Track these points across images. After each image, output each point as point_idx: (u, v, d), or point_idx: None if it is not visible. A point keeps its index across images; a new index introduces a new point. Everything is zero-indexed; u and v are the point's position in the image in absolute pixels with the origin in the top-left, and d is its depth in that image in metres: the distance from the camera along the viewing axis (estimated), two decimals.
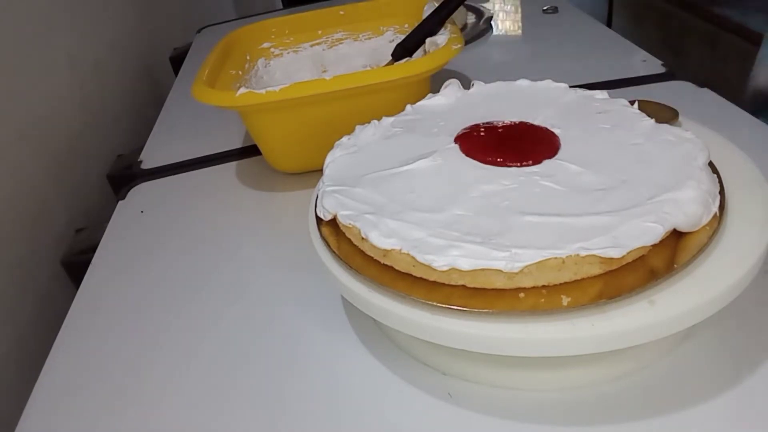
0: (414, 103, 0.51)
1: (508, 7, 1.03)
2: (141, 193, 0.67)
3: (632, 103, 0.45)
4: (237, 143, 0.72)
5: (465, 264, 0.33)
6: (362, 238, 0.37)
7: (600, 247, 0.32)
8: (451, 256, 0.34)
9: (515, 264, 0.32)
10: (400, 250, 0.35)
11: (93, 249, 0.58)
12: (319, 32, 0.76)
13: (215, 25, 1.18)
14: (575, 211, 0.36)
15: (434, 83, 0.58)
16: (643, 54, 0.77)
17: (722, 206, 0.36)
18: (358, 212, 0.39)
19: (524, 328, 0.32)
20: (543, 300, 0.32)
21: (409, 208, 0.38)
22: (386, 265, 0.36)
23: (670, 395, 0.35)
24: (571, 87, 0.49)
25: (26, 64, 0.73)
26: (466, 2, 0.99)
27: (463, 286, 0.34)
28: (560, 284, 0.33)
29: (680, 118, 0.46)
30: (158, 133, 0.80)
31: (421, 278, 0.35)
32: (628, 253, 0.32)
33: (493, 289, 0.33)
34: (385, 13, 0.76)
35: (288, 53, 0.76)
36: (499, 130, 0.45)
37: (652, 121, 0.43)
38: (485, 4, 1.01)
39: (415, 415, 0.37)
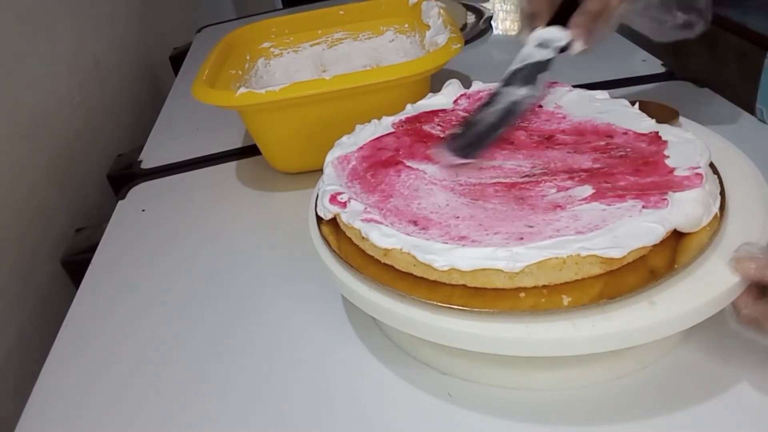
0: (414, 102, 0.51)
1: (508, 6, 1.03)
2: (141, 192, 0.67)
3: (633, 103, 0.45)
4: (237, 143, 0.72)
5: (465, 264, 0.33)
6: (363, 238, 0.37)
7: (601, 247, 0.32)
8: (451, 256, 0.34)
9: (516, 264, 0.32)
10: (401, 249, 0.35)
11: (93, 249, 0.58)
12: (319, 32, 0.76)
13: (215, 25, 1.18)
14: None
15: (434, 83, 0.58)
16: (643, 54, 0.77)
17: (722, 207, 0.36)
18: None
19: (525, 328, 0.32)
20: (544, 300, 0.32)
21: None
22: (387, 265, 0.36)
23: (670, 395, 0.35)
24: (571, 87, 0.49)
25: (26, 64, 0.73)
26: (465, 2, 1.00)
27: (464, 286, 0.34)
28: (561, 284, 0.33)
29: (680, 118, 0.46)
30: (158, 133, 0.80)
31: (421, 278, 0.35)
32: (628, 253, 0.32)
33: (493, 289, 0.33)
34: (385, 13, 0.76)
35: (288, 53, 0.76)
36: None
37: (653, 121, 0.43)
38: (485, 4, 1.01)
39: (415, 415, 0.37)
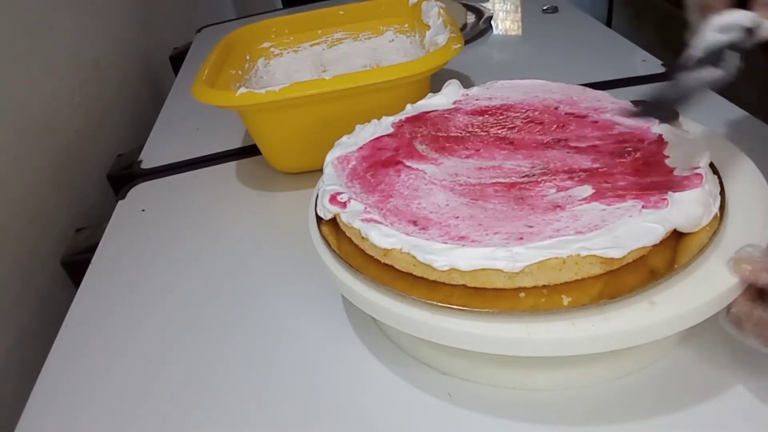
0: (414, 102, 0.51)
1: (508, 6, 1.03)
2: (141, 192, 0.67)
3: (636, 105, 0.45)
4: (237, 143, 0.72)
5: (465, 264, 0.33)
6: (362, 238, 0.37)
7: (600, 247, 0.32)
8: (451, 256, 0.34)
9: (516, 264, 0.32)
10: (401, 249, 0.35)
11: (93, 249, 0.58)
12: (319, 32, 0.76)
13: (215, 24, 1.18)
14: None
15: (434, 83, 0.58)
16: (643, 54, 0.77)
17: (722, 207, 0.36)
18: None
19: (525, 328, 0.32)
20: (543, 300, 0.32)
21: None
22: (387, 265, 0.36)
23: (670, 395, 0.35)
24: None
25: (26, 64, 0.73)
26: (465, 2, 1.00)
27: (464, 286, 0.34)
28: (561, 284, 0.33)
29: (680, 118, 0.46)
30: (158, 133, 0.80)
31: (421, 278, 0.35)
32: (628, 253, 0.32)
33: (493, 289, 0.33)
34: (385, 13, 0.76)
35: (288, 53, 0.76)
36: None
37: (656, 121, 0.43)
38: (485, 4, 1.01)
39: (415, 415, 0.37)
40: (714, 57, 0.37)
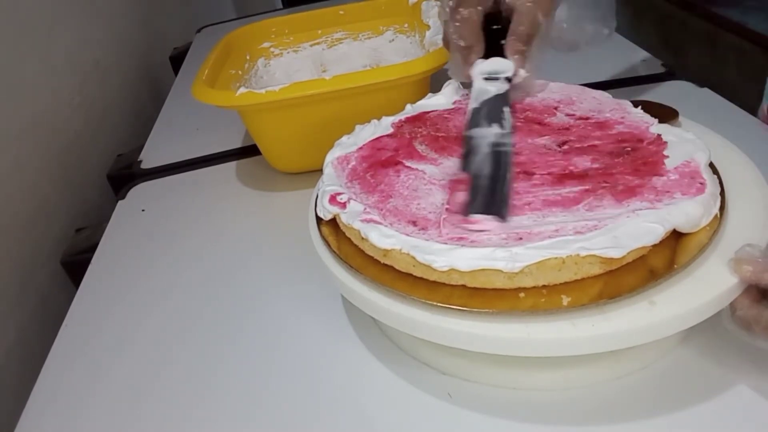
0: (414, 102, 0.51)
1: None
2: (141, 192, 0.67)
3: (636, 105, 0.45)
4: (237, 143, 0.72)
5: (465, 264, 0.33)
6: (362, 238, 0.37)
7: (600, 247, 0.32)
8: (451, 257, 0.34)
9: (515, 264, 0.32)
10: (400, 250, 0.35)
11: (93, 249, 0.58)
12: (319, 32, 0.76)
13: (215, 24, 1.18)
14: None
15: (434, 83, 0.58)
16: (643, 54, 0.77)
17: (722, 207, 0.36)
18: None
19: (525, 328, 0.32)
20: (543, 300, 0.32)
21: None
22: (386, 265, 0.36)
23: (670, 395, 0.35)
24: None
25: (26, 64, 0.73)
26: None
27: (464, 286, 0.34)
28: (560, 284, 0.33)
29: (680, 118, 0.46)
30: (158, 133, 0.80)
31: (421, 278, 0.35)
32: (628, 253, 0.32)
33: (493, 289, 0.33)
34: (385, 13, 0.76)
35: (288, 53, 0.76)
36: None
37: (656, 121, 0.43)
38: None
39: (415, 415, 0.37)
40: (489, 111, 0.41)
